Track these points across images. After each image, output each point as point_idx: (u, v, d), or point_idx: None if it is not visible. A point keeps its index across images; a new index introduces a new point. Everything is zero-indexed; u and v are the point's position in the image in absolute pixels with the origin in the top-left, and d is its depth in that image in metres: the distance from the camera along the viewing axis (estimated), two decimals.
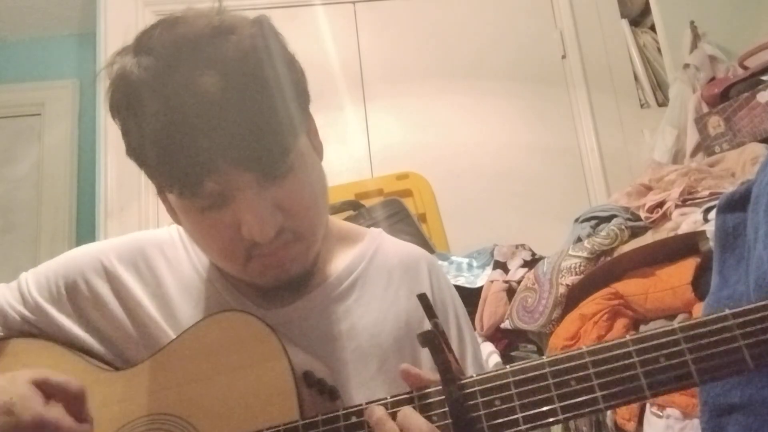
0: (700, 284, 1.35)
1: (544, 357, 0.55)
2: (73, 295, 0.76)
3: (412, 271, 0.82)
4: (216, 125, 0.61)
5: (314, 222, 0.71)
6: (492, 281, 1.83)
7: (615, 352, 0.53)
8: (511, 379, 0.55)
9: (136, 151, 0.67)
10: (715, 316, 0.51)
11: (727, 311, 0.51)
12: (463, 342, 0.82)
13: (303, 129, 0.71)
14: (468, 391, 0.56)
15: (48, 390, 0.62)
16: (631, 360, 0.52)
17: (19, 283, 0.78)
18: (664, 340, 0.52)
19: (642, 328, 1.48)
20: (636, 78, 2.43)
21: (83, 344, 0.75)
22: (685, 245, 1.42)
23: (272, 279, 0.71)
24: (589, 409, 0.52)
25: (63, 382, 0.62)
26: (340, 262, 0.81)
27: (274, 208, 0.66)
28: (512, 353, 1.75)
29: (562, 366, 0.54)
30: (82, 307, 0.75)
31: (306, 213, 0.70)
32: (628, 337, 0.53)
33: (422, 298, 0.60)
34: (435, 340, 0.56)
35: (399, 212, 2.11)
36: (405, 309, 0.77)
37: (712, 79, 1.99)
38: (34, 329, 0.76)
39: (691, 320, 0.52)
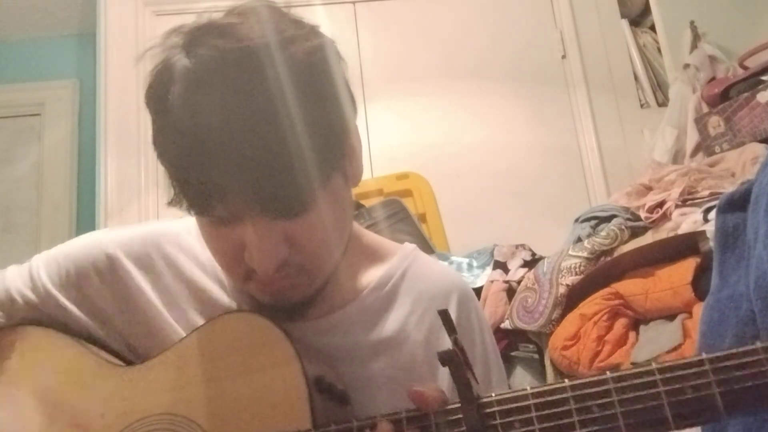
0: (700, 284, 1.35)
1: (566, 381, 0.53)
2: (84, 283, 0.74)
3: (440, 301, 0.77)
4: (236, 159, 0.58)
5: (324, 259, 0.68)
6: (492, 281, 1.83)
7: (640, 380, 0.51)
8: (531, 402, 0.53)
9: (157, 148, 0.65)
10: (744, 349, 0.50)
11: (758, 344, 0.49)
12: (489, 383, 0.78)
13: (336, 167, 0.66)
14: (487, 411, 0.54)
15: None
16: (657, 389, 0.51)
17: (30, 267, 0.77)
18: (691, 371, 0.50)
19: (642, 328, 1.48)
20: (636, 78, 2.43)
21: (90, 333, 0.74)
22: (685, 245, 1.42)
23: (270, 300, 0.69)
24: None
25: None
26: (368, 279, 0.78)
27: (283, 241, 0.63)
28: (512, 353, 1.74)
29: (584, 391, 0.52)
30: (91, 296, 0.74)
31: (317, 250, 0.66)
32: (654, 365, 0.52)
33: (443, 314, 0.58)
34: (455, 359, 0.54)
35: (399, 212, 2.11)
36: (424, 340, 0.74)
37: (712, 79, 1.99)
38: (39, 316, 0.75)
39: (719, 352, 0.50)
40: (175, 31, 0.65)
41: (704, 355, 0.51)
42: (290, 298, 0.69)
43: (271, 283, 0.66)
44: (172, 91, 0.61)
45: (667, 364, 0.51)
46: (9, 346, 0.74)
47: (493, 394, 0.55)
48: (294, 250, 0.65)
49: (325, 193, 0.65)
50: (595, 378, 0.53)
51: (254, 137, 0.59)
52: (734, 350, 0.50)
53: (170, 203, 0.67)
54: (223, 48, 0.61)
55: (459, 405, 0.55)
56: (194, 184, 0.61)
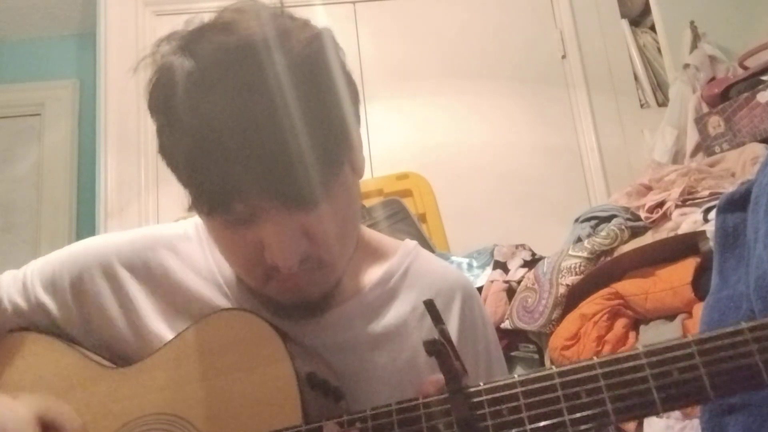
0: (700, 284, 1.35)
1: (553, 367, 0.54)
2: (77, 292, 0.74)
3: (444, 298, 0.77)
4: (251, 151, 0.58)
5: (341, 250, 0.68)
6: (492, 281, 1.83)
7: (627, 364, 0.51)
8: (519, 390, 0.53)
9: (167, 156, 0.65)
10: (730, 329, 0.49)
11: (744, 324, 0.49)
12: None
13: (345, 157, 0.66)
14: (475, 400, 0.54)
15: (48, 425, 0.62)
16: (644, 373, 0.50)
17: (25, 275, 0.76)
18: (678, 353, 0.50)
19: (642, 328, 1.48)
20: (636, 78, 2.43)
21: (79, 341, 0.74)
22: (685, 245, 1.43)
23: (290, 299, 0.69)
24: (599, 423, 0.51)
25: (64, 423, 0.62)
26: (370, 276, 0.78)
27: (301, 235, 0.63)
28: (512, 353, 1.75)
29: (572, 377, 0.52)
30: (82, 305, 0.74)
31: (334, 242, 0.66)
32: (640, 348, 0.51)
33: (428, 304, 0.58)
34: (441, 349, 0.54)
35: (399, 212, 2.11)
36: (427, 336, 0.74)
37: (712, 79, 1.99)
38: (27, 323, 0.75)
39: (705, 333, 0.50)
40: (167, 38, 0.65)
41: (690, 337, 0.50)
42: (310, 295, 0.69)
43: (291, 280, 0.66)
44: (177, 93, 0.61)
45: (653, 348, 0.51)
46: (2, 352, 0.74)
47: (481, 383, 0.55)
48: (312, 243, 0.65)
49: (338, 183, 0.65)
50: (582, 364, 0.53)
51: (266, 129, 0.58)
52: (720, 331, 0.50)
53: (190, 209, 0.67)
54: (225, 42, 0.60)
55: (447, 395, 0.55)
56: (211, 183, 0.61)
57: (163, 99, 0.63)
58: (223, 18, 0.64)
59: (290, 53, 0.61)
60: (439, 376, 0.57)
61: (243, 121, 0.58)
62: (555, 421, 0.52)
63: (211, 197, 0.62)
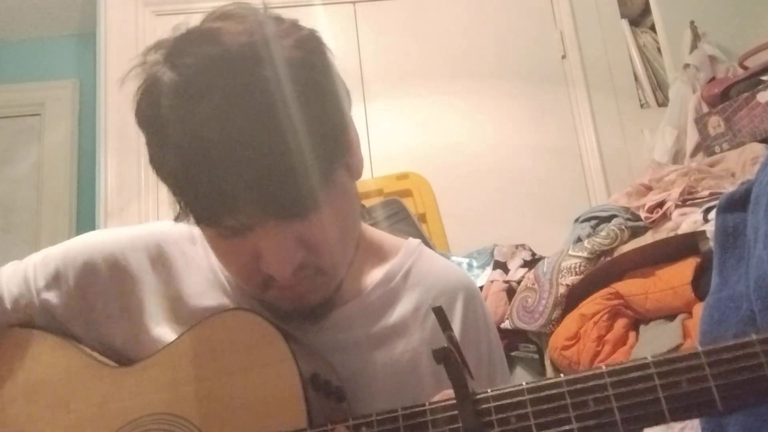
0: (700, 284, 1.35)
1: (561, 375, 0.53)
2: (81, 287, 0.74)
3: (446, 299, 0.76)
4: (239, 164, 0.57)
5: (340, 255, 0.68)
6: (492, 281, 1.83)
7: (636, 374, 0.51)
8: (527, 397, 0.53)
9: (156, 168, 0.64)
10: (740, 341, 0.49)
11: (754, 337, 0.49)
12: (494, 382, 0.76)
13: (340, 160, 0.65)
14: (482, 407, 0.54)
15: None
16: (653, 383, 0.50)
17: (26, 270, 0.75)
18: (687, 363, 0.50)
19: (642, 328, 1.48)
20: (636, 78, 2.43)
21: (79, 338, 0.74)
22: (685, 245, 1.43)
23: (290, 306, 0.68)
24: None
25: None
26: (372, 277, 0.77)
27: (297, 244, 0.62)
28: (512, 353, 1.75)
29: (580, 386, 0.52)
30: (86, 301, 0.74)
31: (332, 247, 0.66)
32: (650, 358, 0.51)
33: (437, 310, 0.58)
34: (450, 356, 0.54)
35: (399, 212, 2.11)
36: (428, 338, 0.73)
37: (712, 79, 1.99)
38: (25, 318, 0.74)
39: (715, 345, 0.50)
40: (154, 47, 0.64)
41: (700, 348, 0.50)
42: (311, 302, 0.68)
43: (290, 288, 0.65)
44: (163, 106, 0.60)
45: (662, 358, 0.51)
46: (2, 349, 0.73)
47: (489, 390, 0.55)
48: (309, 251, 0.64)
49: (333, 188, 0.64)
50: (591, 372, 0.52)
51: (255, 140, 0.57)
52: (730, 343, 0.50)
53: (177, 219, 0.66)
54: (208, 54, 0.59)
55: (455, 402, 0.55)
56: (201, 197, 0.60)
57: (150, 111, 0.62)
58: (208, 25, 0.63)
59: (277, 59, 0.60)
60: (451, 391, 0.56)
61: (229, 133, 0.57)
62: (563, 429, 0.51)
63: (201, 211, 0.61)
